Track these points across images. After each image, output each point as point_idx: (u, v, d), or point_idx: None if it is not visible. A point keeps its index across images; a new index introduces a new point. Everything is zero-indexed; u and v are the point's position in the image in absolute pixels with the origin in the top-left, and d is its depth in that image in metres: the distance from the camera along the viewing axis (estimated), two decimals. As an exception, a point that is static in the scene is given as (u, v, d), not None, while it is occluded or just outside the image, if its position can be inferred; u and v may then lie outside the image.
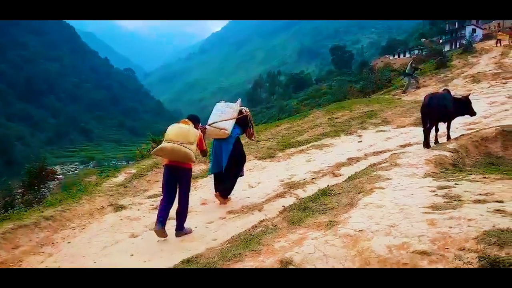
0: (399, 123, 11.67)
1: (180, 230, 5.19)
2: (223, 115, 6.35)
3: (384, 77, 30.34)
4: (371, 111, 13.79)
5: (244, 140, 7.43)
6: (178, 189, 5.29)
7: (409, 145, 8.89)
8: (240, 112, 6.58)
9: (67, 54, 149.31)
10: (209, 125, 6.27)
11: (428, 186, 4.65)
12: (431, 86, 19.61)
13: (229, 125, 6.27)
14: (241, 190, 6.93)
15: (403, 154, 7.17)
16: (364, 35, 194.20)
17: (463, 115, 8.31)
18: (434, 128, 7.90)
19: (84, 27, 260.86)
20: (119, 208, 6.52)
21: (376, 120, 12.39)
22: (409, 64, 20.77)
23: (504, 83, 16.24)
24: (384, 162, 6.62)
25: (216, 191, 6.44)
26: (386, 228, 3.26)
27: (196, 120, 5.66)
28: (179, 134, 5.04)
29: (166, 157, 5.24)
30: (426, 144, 7.75)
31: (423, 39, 70.89)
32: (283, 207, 4.92)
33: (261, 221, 4.48)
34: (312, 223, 3.80)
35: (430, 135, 7.84)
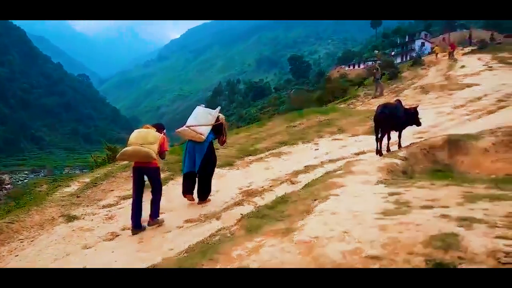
0: (353, 132, 12.02)
1: (155, 217, 5.75)
2: (202, 120, 6.73)
3: (340, 87, 31.26)
4: (328, 120, 14.14)
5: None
6: (151, 187, 5.88)
7: (363, 153, 9.18)
8: (217, 119, 6.97)
9: (17, 58, 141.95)
10: (187, 126, 6.62)
11: (380, 193, 4.82)
12: (383, 97, 20.37)
13: (206, 131, 6.66)
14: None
15: (357, 161, 7.38)
16: (321, 46, 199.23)
17: (411, 125, 8.69)
18: (386, 136, 8.20)
19: (37, 30, 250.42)
20: (71, 218, 6.27)
21: (332, 128, 12.71)
22: (374, 71, 21.51)
23: (450, 94, 17.10)
24: (339, 170, 6.78)
25: (184, 192, 6.77)
26: (340, 234, 3.34)
27: (160, 127, 6.21)
28: (138, 137, 5.66)
29: (130, 159, 5.90)
30: (379, 152, 8.03)
31: (376, 51, 73.65)
32: (241, 215, 4.92)
33: (219, 230, 4.47)
34: (269, 230, 3.83)
35: (383, 144, 8.14)
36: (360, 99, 22.07)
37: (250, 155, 9.94)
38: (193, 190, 6.81)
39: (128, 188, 7.71)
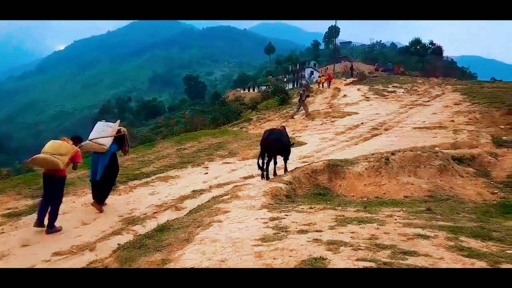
0: (244, 155, 12.20)
1: (51, 228, 6.05)
2: (103, 133, 7.38)
3: (234, 109, 31.88)
4: (219, 143, 14.20)
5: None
6: (51, 193, 6.26)
7: (252, 177, 9.32)
8: (119, 131, 7.66)
9: None
10: (90, 140, 7.21)
11: (262, 218, 4.94)
12: (274, 121, 21.21)
13: (107, 142, 7.32)
14: (72, 227, 6.30)
15: (244, 186, 7.53)
16: (217, 68, 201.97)
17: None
18: (272, 160, 8.48)
19: None
20: None
21: (223, 152, 12.77)
22: (300, 93, 22.13)
23: (333, 122, 18.47)
24: (226, 195, 6.84)
25: (94, 199, 7.30)
26: (216, 264, 3.32)
27: (78, 139, 6.89)
28: (52, 147, 6.18)
29: (40, 166, 6.40)
30: (266, 176, 8.27)
31: (270, 76, 77.15)
32: (118, 245, 4.63)
33: (91, 263, 4.14)
34: (144, 262, 3.65)
35: (269, 168, 8.40)
36: (252, 122, 22.65)
37: (135, 179, 9.43)
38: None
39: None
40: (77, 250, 5.32)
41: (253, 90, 71.61)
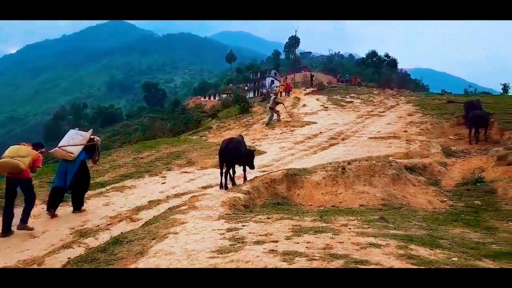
0: (203, 164, 12.07)
1: (23, 223, 6.25)
2: (72, 141, 7.61)
3: (194, 117, 31.61)
4: (178, 151, 13.98)
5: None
6: (24, 195, 6.51)
7: (210, 186, 9.22)
8: (92, 140, 7.94)
9: None
10: (59, 147, 7.43)
11: (219, 229, 4.90)
12: (234, 130, 21.19)
13: (76, 150, 7.50)
14: (19, 241, 5.98)
15: (203, 196, 7.44)
16: (177, 75, 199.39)
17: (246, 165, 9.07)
18: (231, 170, 8.47)
19: None
20: None
21: (181, 161, 12.57)
22: (271, 99, 21.85)
23: (292, 131, 18.63)
24: (183, 205, 6.73)
25: (48, 207, 7.21)
26: (170, 278, 3.23)
27: (38, 145, 7.04)
28: (11, 151, 6.39)
29: (2, 171, 6.45)
30: (224, 185, 8.24)
31: (231, 85, 77.21)
32: (68, 260, 4.43)
33: (37, 280, 3.92)
34: (94, 278, 3.50)
35: (228, 177, 8.37)
36: (212, 131, 22.51)
37: (88, 189, 9.08)
38: (57, 206, 7.32)
39: None
40: (23, 265, 5.04)
41: (214, 98, 71.37)
